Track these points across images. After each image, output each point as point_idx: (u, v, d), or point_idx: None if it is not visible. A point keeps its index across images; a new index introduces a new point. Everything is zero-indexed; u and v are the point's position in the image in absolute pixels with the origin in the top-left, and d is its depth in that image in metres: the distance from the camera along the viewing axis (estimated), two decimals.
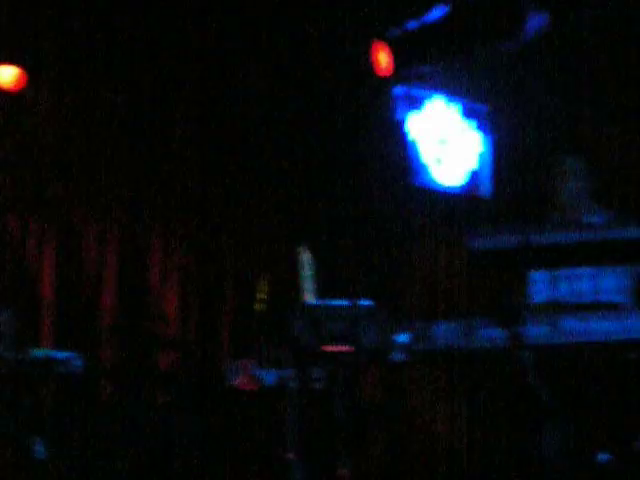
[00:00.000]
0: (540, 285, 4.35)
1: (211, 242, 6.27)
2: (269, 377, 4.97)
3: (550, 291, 4.34)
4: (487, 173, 7.33)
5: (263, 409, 5.59)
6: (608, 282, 4.31)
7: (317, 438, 4.53)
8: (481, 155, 7.36)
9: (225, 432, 5.82)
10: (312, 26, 6.54)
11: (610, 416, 3.71)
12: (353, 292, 3.80)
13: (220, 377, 5.54)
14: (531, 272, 4.29)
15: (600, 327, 3.42)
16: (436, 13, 6.41)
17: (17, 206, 5.86)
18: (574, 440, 3.63)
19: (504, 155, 7.23)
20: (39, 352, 4.98)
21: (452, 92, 7.13)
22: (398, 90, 6.96)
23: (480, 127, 7.35)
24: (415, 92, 7.09)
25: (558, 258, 3.73)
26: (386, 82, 6.76)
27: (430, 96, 7.16)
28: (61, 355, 4.86)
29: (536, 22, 6.11)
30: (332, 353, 3.58)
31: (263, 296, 5.87)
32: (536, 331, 3.42)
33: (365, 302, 3.61)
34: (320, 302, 3.78)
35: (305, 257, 3.85)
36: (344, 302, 3.65)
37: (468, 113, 7.30)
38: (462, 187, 7.31)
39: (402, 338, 3.48)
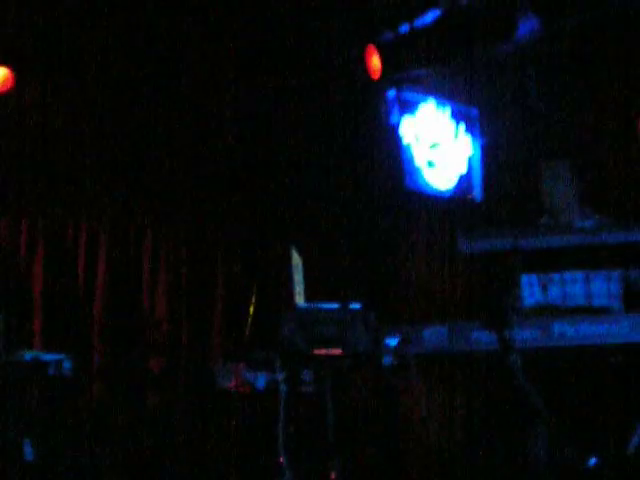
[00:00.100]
0: (531, 289, 4.35)
1: (202, 245, 6.26)
2: (259, 380, 4.97)
3: (541, 295, 4.34)
4: (478, 177, 7.34)
5: (253, 412, 5.59)
6: (598, 286, 4.32)
7: (307, 441, 4.53)
8: (471, 159, 7.37)
9: (215, 435, 5.82)
10: (305, 30, 6.54)
11: (599, 419, 3.71)
12: (343, 295, 3.80)
13: (211, 380, 5.54)
14: (522, 275, 4.29)
15: (590, 331, 3.42)
16: (428, 17, 6.42)
17: (8, 208, 5.85)
18: (563, 443, 3.63)
19: (494, 159, 7.24)
20: (29, 354, 4.97)
21: (442, 95, 7.14)
22: (391, 94, 6.97)
23: (470, 130, 7.36)
24: (408, 96, 7.09)
25: (548, 262, 3.74)
26: (379, 86, 6.77)
27: (424, 100, 7.17)
28: (51, 357, 4.85)
29: (527, 27, 6.11)
30: (322, 356, 3.58)
31: (253, 299, 5.88)
32: (526, 334, 3.42)
33: (355, 305, 3.61)
34: (310, 305, 3.78)
35: (295, 260, 3.84)
36: (334, 305, 3.64)
37: (458, 116, 7.31)
38: (453, 190, 7.31)
39: (392, 341, 3.48)
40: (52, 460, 5.02)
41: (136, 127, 6.05)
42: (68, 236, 5.84)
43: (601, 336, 3.39)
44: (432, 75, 6.96)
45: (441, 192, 7.27)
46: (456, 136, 7.34)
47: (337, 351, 3.55)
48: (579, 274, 4.29)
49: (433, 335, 3.47)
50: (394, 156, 7.00)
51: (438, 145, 7.28)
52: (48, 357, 4.90)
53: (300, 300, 3.85)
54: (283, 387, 3.81)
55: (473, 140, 7.40)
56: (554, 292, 4.32)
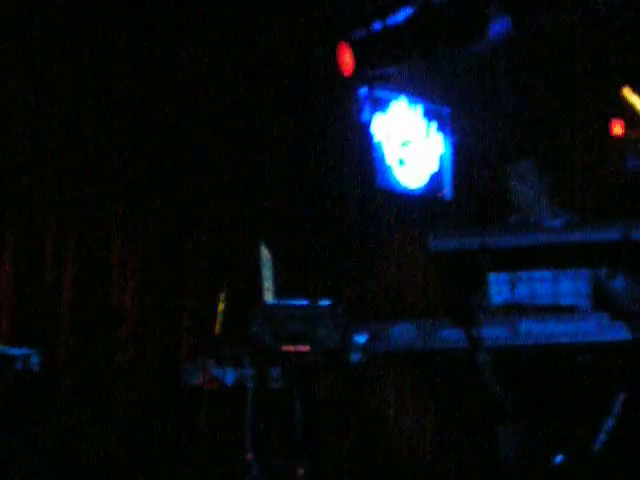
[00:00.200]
0: (499, 287, 4.38)
1: (171, 240, 6.24)
2: (228, 376, 4.96)
3: (509, 293, 4.37)
4: (448, 175, 7.37)
5: (222, 408, 5.59)
6: (567, 285, 4.35)
7: (275, 438, 4.52)
8: (442, 157, 7.41)
9: (183, 431, 5.81)
10: (278, 27, 6.54)
11: (566, 418, 3.74)
12: (313, 292, 3.80)
13: (179, 376, 5.52)
14: (491, 274, 4.31)
15: (558, 329, 3.44)
16: (401, 15, 6.43)
17: None
18: (530, 441, 3.64)
19: (465, 157, 7.27)
20: None
21: (414, 94, 7.17)
22: (363, 91, 6.98)
23: (441, 129, 7.39)
24: (380, 93, 7.11)
25: (516, 261, 3.75)
26: (351, 83, 6.77)
27: (395, 98, 7.19)
28: (18, 352, 4.81)
29: (499, 26, 6.14)
30: (290, 353, 3.58)
31: (223, 295, 5.86)
32: (494, 333, 3.43)
33: (324, 302, 3.61)
34: (279, 302, 3.78)
35: (265, 256, 3.84)
36: (303, 302, 3.64)
37: (429, 115, 7.35)
38: (424, 189, 7.34)
39: (360, 339, 3.48)
40: (19, 456, 4.99)
41: (104, 125, 6.02)
42: (36, 231, 5.79)
43: (568, 335, 3.41)
44: (404, 73, 6.99)
45: (412, 190, 7.30)
46: (427, 135, 7.38)
47: (305, 348, 3.55)
48: (548, 273, 4.32)
49: (401, 333, 3.47)
50: (365, 154, 7.02)
51: (409, 143, 7.31)
52: (15, 352, 4.86)
53: (269, 296, 3.84)
54: (251, 383, 3.81)
55: (444, 139, 7.44)
56: (522, 290, 4.34)
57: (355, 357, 3.50)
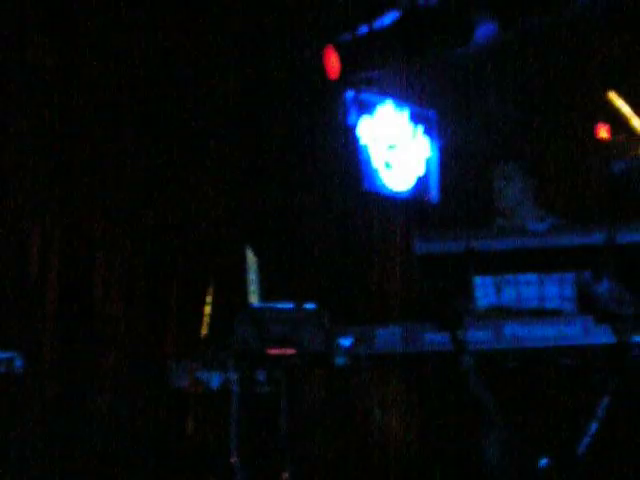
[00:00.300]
0: (485, 290, 4.38)
1: (157, 242, 6.23)
2: (214, 380, 4.95)
3: (495, 296, 4.37)
4: (434, 178, 7.38)
5: (207, 412, 5.57)
6: (552, 289, 4.36)
7: (260, 441, 4.52)
8: (429, 160, 7.41)
9: (168, 435, 5.80)
10: (264, 30, 6.53)
11: (551, 421, 3.75)
12: (298, 295, 3.79)
13: (164, 379, 5.50)
14: (476, 277, 4.31)
15: (543, 333, 3.44)
16: (387, 18, 6.44)
17: None
18: (515, 445, 3.65)
19: (451, 161, 7.28)
20: None
21: (400, 97, 7.17)
22: (349, 94, 6.98)
23: (428, 133, 7.40)
24: (366, 97, 7.12)
25: (502, 264, 3.75)
26: (337, 86, 6.78)
27: (382, 101, 7.20)
28: (1, 355, 4.79)
29: (485, 30, 6.16)
30: (275, 356, 3.57)
31: (209, 298, 5.85)
32: (479, 336, 3.44)
33: (310, 305, 3.61)
34: (264, 305, 3.78)
35: (250, 260, 3.84)
36: (289, 305, 3.64)
37: (416, 118, 7.36)
38: (410, 192, 7.35)
39: (345, 342, 3.48)
40: (3, 459, 4.97)
41: (87, 130, 6.00)
42: (21, 232, 5.77)
43: (553, 338, 3.41)
44: (390, 76, 7.00)
45: (398, 193, 7.30)
46: (414, 138, 7.38)
47: (291, 351, 3.54)
48: (533, 276, 4.33)
49: (386, 336, 3.47)
50: (351, 157, 7.02)
51: (396, 146, 7.31)
52: None
53: (254, 299, 3.84)
54: (236, 387, 3.81)
55: (431, 142, 7.45)
56: (508, 294, 4.35)
57: (340, 360, 3.50)
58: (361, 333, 3.51)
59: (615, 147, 6.87)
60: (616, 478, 4.02)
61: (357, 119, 7.08)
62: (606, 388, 3.44)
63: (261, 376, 4.34)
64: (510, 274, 4.27)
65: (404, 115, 7.32)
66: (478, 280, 4.33)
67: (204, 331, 5.84)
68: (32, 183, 5.80)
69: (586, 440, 3.43)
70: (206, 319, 5.89)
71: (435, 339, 3.46)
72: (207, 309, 5.95)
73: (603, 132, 6.94)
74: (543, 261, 3.69)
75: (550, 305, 4.29)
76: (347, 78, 6.69)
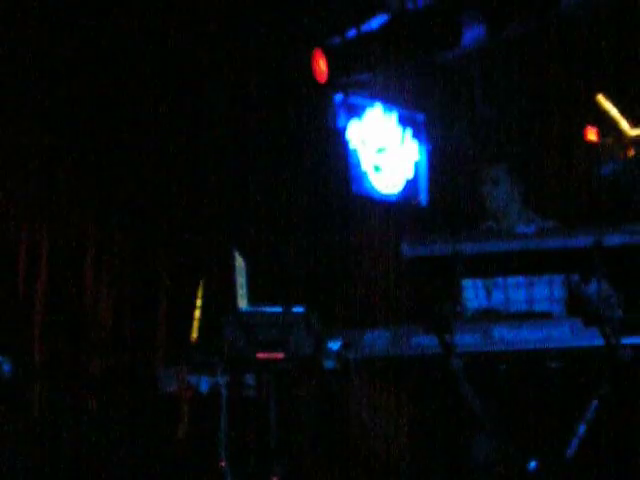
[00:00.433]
0: (474, 293, 4.39)
1: (145, 246, 6.22)
2: (203, 384, 4.94)
3: (484, 299, 4.38)
4: (423, 181, 7.39)
5: (196, 416, 5.57)
6: (541, 291, 4.36)
7: (250, 445, 4.52)
8: (418, 164, 7.42)
9: (157, 439, 5.78)
10: (253, 34, 6.53)
11: (539, 424, 3.75)
12: (286, 299, 3.79)
13: (153, 383, 5.49)
14: (465, 280, 4.31)
15: (531, 336, 3.44)
16: (375, 22, 6.45)
17: None
18: (504, 447, 3.65)
19: (440, 164, 7.29)
20: None
21: (389, 100, 7.18)
22: (338, 98, 6.99)
23: (417, 136, 7.41)
24: (355, 100, 7.12)
25: (490, 267, 3.76)
26: (326, 90, 6.78)
27: (370, 104, 7.20)
28: None
29: (473, 33, 6.17)
30: (264, 360, 3.57)
31: (198, 302, 5.84)
32: (467, 339, 3.43)
33: (298, 309, 3.61)
34: (253, 308, 3.77)
35: (238, 263, 3.83)
36: (277, 309, 3.63)
37: (404, 121, 7.36)
38: (399, 195, 7.36)
39: (334, 345, 3.48)
40: None
41: (77, 127, 5.99)
42: (9, 235, 5.76)
43: (541, 340, 3.41)
44: (379, 80, 7.00)
45: (387, 196, 7.31)
46: (402, 141, 7.39)
47: (279, 355, 3.54)
48: (522, 279, 4.33)
49: (375, 339, 3.47)
50: (340, 160, 7.03)
51: (385, 150, 7.32)
52: None
53: (243, 303, 3.83)
54: (225, 391, 3.80)
55: (419, 145, 7.46)
56: (497, 296, 4.35)
57: (329, 364, 3.49)
58: (350, 337, 3.51)
59: (603, 150, 6.89)
60: None
61: (346, 122, 7.09)
62: (595, 390, 3.44)
63: (250, 380, 4.34)
64: (498, 277, 4.27)
65: (393, 118, 7.33)
66: (468, 282, 4.35)
67: (194, 335, 5.84)
68: (20, 188, 5.79)
69: (575, 442, 3.43)
70: (196, 323, 5.89)
71: (424, 342, 3.45)
72: (197, 313, 5.95)
73: (592, 135, 6.95)
74: (531, 264, 3.69)
75: (539, 307, 4.29)
76: (336, 81, 6.69)
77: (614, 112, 6.94)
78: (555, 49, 6.74)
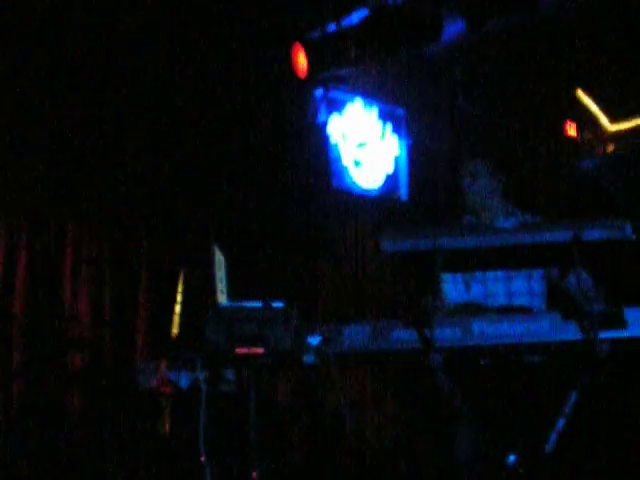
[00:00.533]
0: (453, 286, 4.38)
1: (125, 242, 6.21)
2: (183, 379, 4.93)
3: (463, 292, 4.38)
4: (403, 176, 7.40)
5: (176, 411, 5.55)
6: (520, 285, 4.36)
7: (229, 440, 4.50)
8: (398, 158, 7.43)
9: (137, 434, 5.77)
10: (232, 27, 6.51)
11: (519, 418, 3.75)
12: (266, 294, 3.78)
13: (133, 379, 5.48)
14: (445, 274, 4.31)
15: (510, 330, 3.44)
16: (355, 17, 6.44)
17: None
18: (483, 441, 3.66)
19: (420, 158, 7.30)
20: None
21: (369, 95, 7.19)
22: (319, 92, 6.99)
23: (397, 131, 7.42)
24: (335, 95, 7.13)
25: (469, 262, 3.76)
26: (306, 84, 6.77)
27: (351, 99, 7.21)
28: None
29: (453, 28, 6.17)
30: (244, 355, 3.56)
31: (178, 297, 5.83)
32: (447, 333, 3.43)
33: (277, 304, 3.60)
34: (232, 304, 3.76)
35: (218, 258, 3.82)
36: (256, 304, 3.63)
37: (385, 116, 7.37)
38: (380, 190, 7.36)
39: (313, 340, 3.47)
40: None
41: (59, 123, 5.97)
42: None
43: (520, 335, 3.42)
44: (359, 75, 7.00)
45: (367, 191, 7.32)
46: (383, 136, 7.40)
47: (259, 350, 3.53)
48: (501, 273, 4.33)
49: (354, 334, 3.47)
50: (321, 155, 7.02)
51: (365, 144, 7.32)
52: None
53: (222, 298, 3.82)
54: (204, 386, 3.79)
55: (400, 140, 7.46)
56: (477, 290, 4.35)
57: (308, 359, 3.48)
58: (329, 331, 3.50)
59: (583, 145, 6.91)
60: (583, 473, 4.04)
61: (326, 117, 7.09)
62: (574, 385, 3.46)
63: (230, 375, 4.33)
64: (478, 271, 4.27)
65: (373, 113, 7.33)
66: (447, 276, 4.35)
67: (174, 330, 5.83)
68: None
69: (554, 436, 3.44)
70: (176, 318, 5.88)
71: (403, 337, 3.45)
72: (177, 308, 5.94)
73: (571, 130, 6.98)
74: (511, 258, 3.70)
75: (518, 301, 4.30)
76: (316, 76, 6.68)
77: (594, 108, 6.97)
78: (535, 45, 6.76)
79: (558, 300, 4.26)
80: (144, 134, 6.26)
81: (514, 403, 3.77)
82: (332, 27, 6.48)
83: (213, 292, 3.80)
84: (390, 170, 7.41)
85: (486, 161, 4.50)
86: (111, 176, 6.16)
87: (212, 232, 6.02)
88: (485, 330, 3.44)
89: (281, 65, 6.48)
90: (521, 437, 3.66)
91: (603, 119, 6.96)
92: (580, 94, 6.96)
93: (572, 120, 6.99)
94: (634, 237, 3.36)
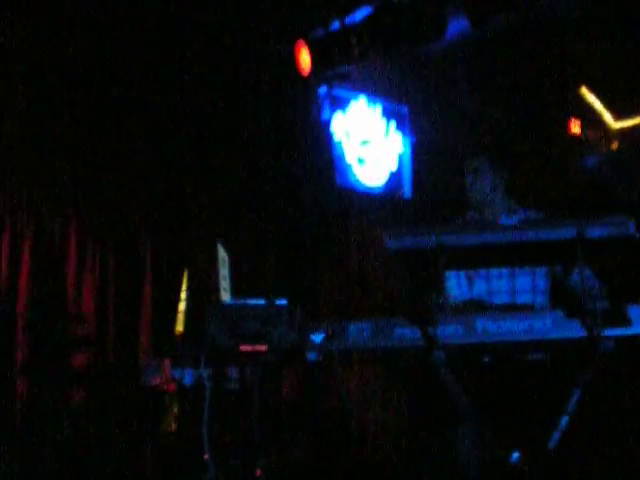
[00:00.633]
0: (457, 283, 4.39)
1: (129, 239, 6.21)
2: (187, 377, 4.94)
3: (466, 289, 4.38)
4: (408, 174, 7.40)
5: (180, 409, 5.56)
6: (524, 282, 4.36)
7: (233, 438, 4.51)
8: (402, 156, 7.43)
9: (142, 432, 5.78)
10: (237, 26, 6.52)
11: (522, 415, 3.75)
12: (270, 291, 3.79)
13: (137, 376, 5.49)
14: (448, 271, 4.31)
15: (513, 327, 3.44)
16: (359, 14, 6.44)
17: None
18: (486, 439, 3.66)
19: (424, 156, 7.30)
20: None
21: (373, 93, 7.18)
22: (322, 90, 6.99)
23: (401, 128, 7.41)
24: (339, 92, 7.12)
25: (473, 259, 3.76)
26: (310, 82, 6.77)
27: (354, 96, 7.20)
28: None
29: (457, 26, 6.17)
30: (247, 352, 3.57)
31: (181, 295, 5.84)
32: (450, 331, 3.43)
33: (281, 301, 3.60)
34: (236, 301, 3.76)
35: (221, 255, 3.82)
36: (260, 301, 3.63)
37: (388, 114, 7.37)
38: (383, 187, 7.36)
39: (317, 337, 3.47)
40: None
41: (62, 122, 5.98)
42: None
43: (524, 332, 3.41)
44: (363, 72, 7.00)
45: (371, 189, 7.31)
46: (387, 133, 7.39)
47: (262, 347, 3.53)
48: (504, 270, 4.33)
49: (358, 331, 3.47)
50: (325, 152, 7.02)
51: (369, 142, 7.32)
52: None
53: (226, 296, 3.83)
54: (208, 383, 3.79)
55: (403, 138, 7.46)
56: (480, 287, 4.35)
57: (312, 356, 3.49)
58: (333, 329, 3.50)
59: (587, 142, 6.91)
60: (587, 471, 4.04)
61: (330, 115, 7.09)
62: (577, 382, 3.46)
63: (233, 372, 4.34)
64: (481, 268, 4.27)
65: (377, 111, 7.33)
66: (450, 273, 4.35)
67: (179, 328, 5.83)
68: (2, 182, 5.78)
69: (557, 434, 3.44)
70: (180, 316, 5.89)
71: (406, 334, 3.45)
72: (181, 306, 5.95)
73: (575, 127, 6.98)
74: (514, 255, 3.69)
75: (522, 298, 4.30)
76: (320, 74, 6.68)
77: (597, 105, 6.96)
78: (540, 42, 6.76)
79: (561, 297, 4.26)
80: (149, 132, 6.27)
81: (517, 400, 3.77)
82: (336, 25, 6.48)
83: (217, 290, 3.81)
84: (394, 168, 7.41)
85: (489, 158, 4.50)
86: (115, 175, 6.17)
87: (216, 230, 6.03)
88: (488, 327, 3.44)
89: (285, 63, 6.48)
90: (524, 434, 3.66)
91: (607, 116, 6.96)
92: (584, 91, 6.96)
93: (576, 117, 6.98)
94: (637, 234, 3.36)
